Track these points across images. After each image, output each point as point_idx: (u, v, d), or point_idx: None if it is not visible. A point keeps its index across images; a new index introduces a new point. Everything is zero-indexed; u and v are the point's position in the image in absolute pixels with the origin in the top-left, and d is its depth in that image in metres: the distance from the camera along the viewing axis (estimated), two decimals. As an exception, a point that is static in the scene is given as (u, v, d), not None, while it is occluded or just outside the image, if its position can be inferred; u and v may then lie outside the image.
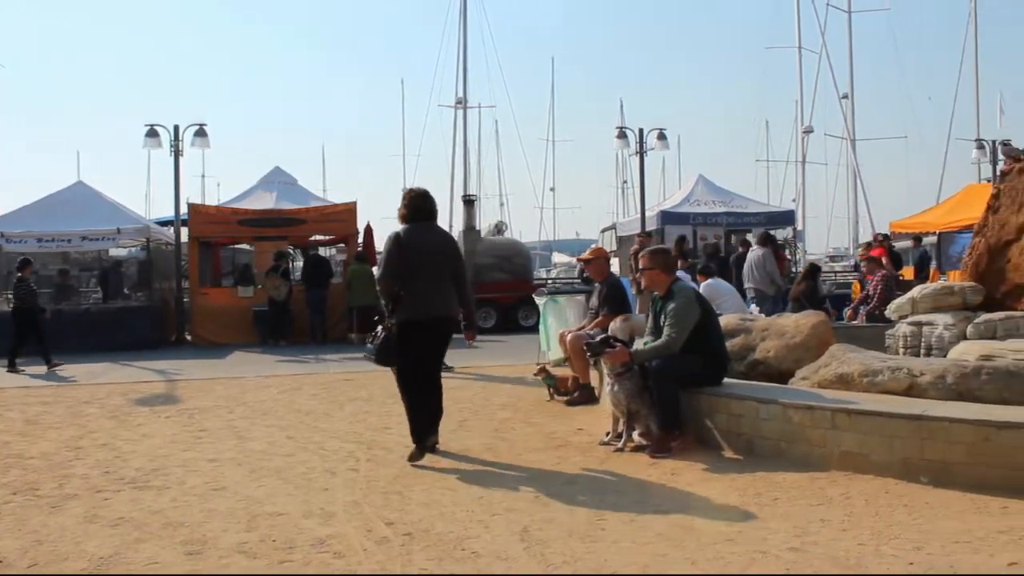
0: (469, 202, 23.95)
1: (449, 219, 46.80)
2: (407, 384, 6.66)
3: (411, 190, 6.90)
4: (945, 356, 7.75)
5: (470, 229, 22.08)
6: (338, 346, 16.99)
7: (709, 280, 12.29)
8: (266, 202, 20.31)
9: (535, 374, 9.55)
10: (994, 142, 28.68)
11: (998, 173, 10.43)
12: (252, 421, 8.39)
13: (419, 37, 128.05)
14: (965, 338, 8.09)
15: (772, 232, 21.92)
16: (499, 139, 60.42)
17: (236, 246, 23.32)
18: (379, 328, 6.70)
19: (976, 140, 33.94)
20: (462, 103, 45.85)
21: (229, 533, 4.78)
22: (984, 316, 8.27)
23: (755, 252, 16.12)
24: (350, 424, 8.10)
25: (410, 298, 6.50)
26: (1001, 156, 10.11)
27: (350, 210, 19.77)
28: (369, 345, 6.81)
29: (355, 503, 5.32)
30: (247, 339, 17.95)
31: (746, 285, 15.78)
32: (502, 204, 60.40)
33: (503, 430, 7.70)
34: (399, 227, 6.73)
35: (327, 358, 14.51)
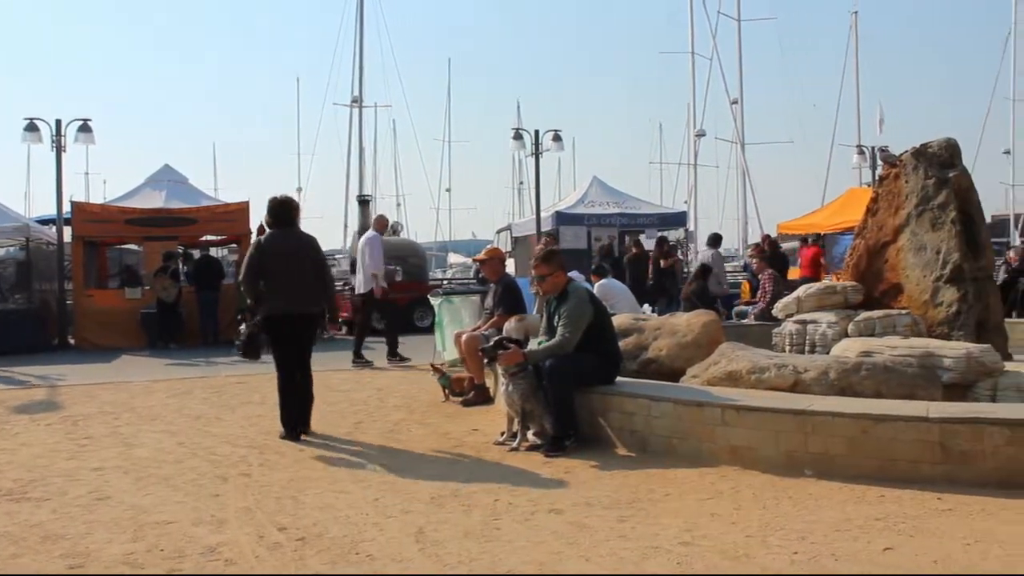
0: (364, 202, 23.75)
1: (344, 219, 46.46)
2: (283, 381, 7.43)
3: (273, 199, 7.60)
4: (828, 353, 8.04)
5: (365, 229, 21.86)
6: (230, 348, 16.59)
7: (603, 280, 12.47)
8: (155, 201, 19.72)
9: (432, 374, 9.53)
10: (874, 148, 29.86)
11: (877, 178, 10.85)
12: (139, 427, 8.14)
13: (314, 34, 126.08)
14: (847, 335, 8.41)
15: (664, 233, 22.40)
16: (396, 139, 60.11)
17: (123, 246, 22.60)
18: (243, 326, 7.49)
19: (857, 146, 35.35)
20: (358, 102, 45.41)
21: (114, 544, 4.62)
22: (864, 314, 8.61)
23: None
24: (242, 428, 7.94)
25: (275, 296, 7.30)
26: (880, 162, 10.56)
27: (243, 210, 19.35)
28: (237, 342, 7.65)
29: (247, 509, 5.22)
30: (135, 342, 17.41)
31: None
32: (399, 204, 60.05)
33: (398, 431, 7.66)
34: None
35: (218, 361, 14.16)
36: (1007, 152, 56.29)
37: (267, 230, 7.86)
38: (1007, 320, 10.05)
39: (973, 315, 8.41)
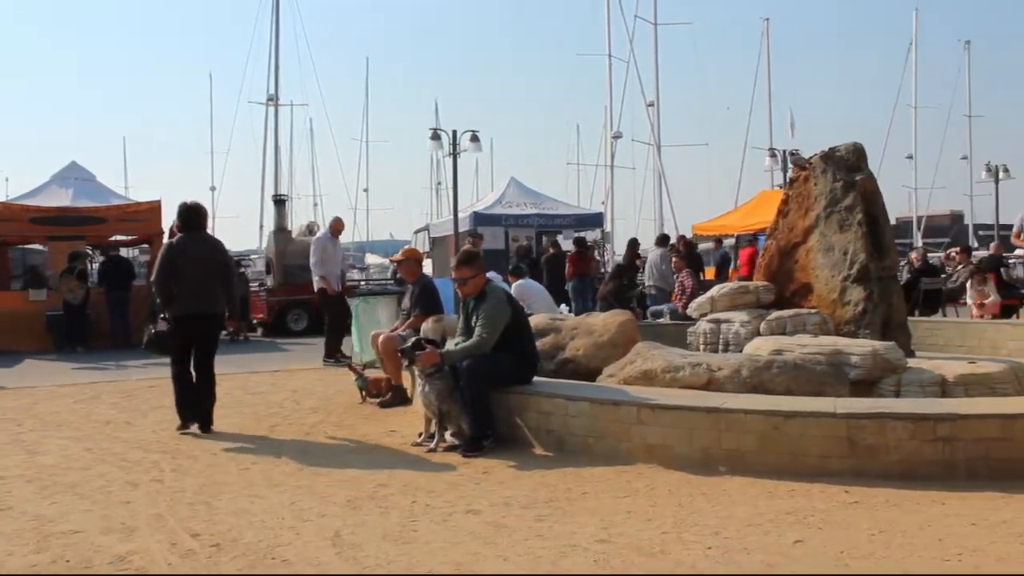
0: (280, 202, 23.39)
1: (260, 219, 45.77)
2: (177, 371, 7.80)
3: (183, 204, 8.00)
4: (741, 351, 8.20)
5: (281, 230, 21.57)
6: (141, 351, 16.20)
7: (520, 280, 12.52)
8: (61, 199, 19.09)
9: (354, 377, 9.44)
10: (785, 152, 30.55)
11: (788, 180, 11.10)
12: (44, 434, 7.88)
13: (228, 30, 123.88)
14: (759, 334, 8.59)
15: (582, 234, 22.58)
16: (313, 138, 59.52)
17: (27, 246, 21.88)
18: (150, 325, 7.97)
19: (769, 149, 36.13)
20: (274, 100, 44.83)
21: (15, 556, 4.45)
22: (775, 313, 8.80)
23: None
24: (154, 433, 7.76)
25: (183, 296, 7.68)
26: (790, 165, 10.85)
27: (154, 209, 18.92)
28: (144, 339, 8.08)
29: (159, 516, 5.10)
30: (40, 346, 16.88)
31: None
32: (315, 204, 59.45)
33: (315, 434, 7.58)
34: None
35: (129, 364, 13.80)
36: (910, 157, 58.33)
37: (177, 233, 8.20)
38: (910, 319, 10.40)
39: (878, 314, 8.67)
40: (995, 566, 3.93)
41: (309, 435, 7.53)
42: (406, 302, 9.41)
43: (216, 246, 8.11)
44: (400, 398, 8.78)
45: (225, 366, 12.56)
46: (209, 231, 8.34)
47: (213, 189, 54.94)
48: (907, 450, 5.42)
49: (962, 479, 5.29)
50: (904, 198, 59.71)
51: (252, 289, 21.38)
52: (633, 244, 19.88)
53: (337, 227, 13.91)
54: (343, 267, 14.00)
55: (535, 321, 8.69)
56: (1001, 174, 37.22)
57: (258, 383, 10.95)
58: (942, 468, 5.37)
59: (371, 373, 9.50)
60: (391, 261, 19.65)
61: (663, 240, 18.27)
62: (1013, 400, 6.40)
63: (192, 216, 7.96)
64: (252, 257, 37.05)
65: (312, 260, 13.25)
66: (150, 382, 11.09)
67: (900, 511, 4.80)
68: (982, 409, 5.68)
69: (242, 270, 20.56)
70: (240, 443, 7.20)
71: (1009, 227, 14.98)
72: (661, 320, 13.57)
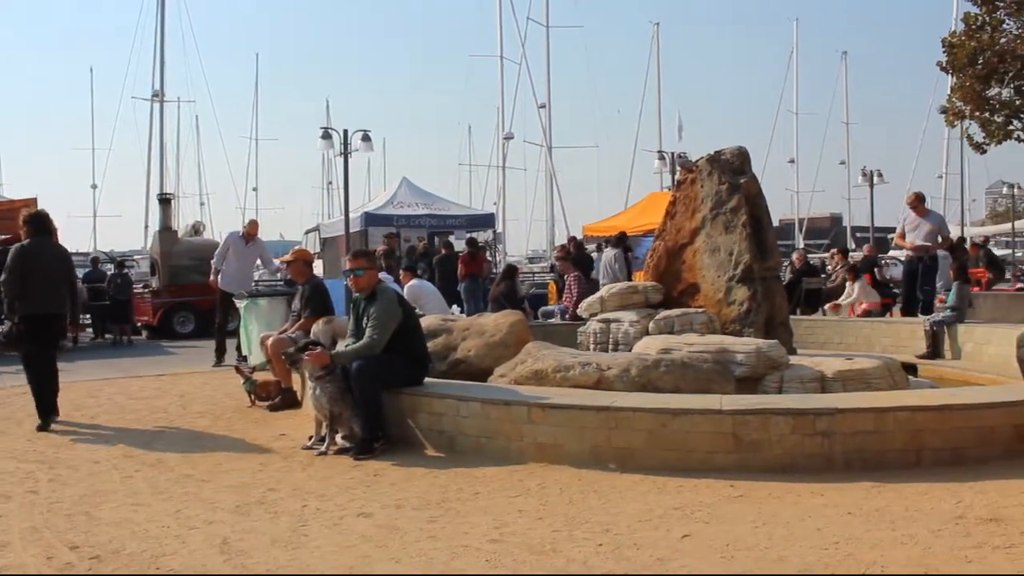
0: (165, 201, 22.75)
1: (145, 218, 44.41)
2: (31, 368, 8.24)
3: (29, 213, 8.55)
4: (630, 351, 8.34)
5: (166, 229, 20.98)
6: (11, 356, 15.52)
7: (413, 281, 12.47)
8: (-74, 198, 18.24)
9: (240, 377, 9.25)
10: (673, 154, 31.21)
11: (675, 183, 11.35)
12: (-91, 444, 7.49)
13: (111, 23, 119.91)
14: (648, 334, 8.75)
15: (474, 234, 22.62)
16: (199, 135, 58.13)
17: None
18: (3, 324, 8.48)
19: (658, 152, 36.81)
20: (159, 96, 43.58)
21: None
22: (664, 313, 8.98)
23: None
24: (29, 442, 7.44)
25: (30, 297, 8.11)
26: (678, 167, 11.07)
27: (28, 207, 18.17)
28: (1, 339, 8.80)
29: (33, 528, 4.89)
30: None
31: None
32: (202, 204, 58.23)
33: (202, 439, 7.39)
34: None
35: (2, 371, 13.20)
36: (792, 161, 60.40)
37: (56, 231, 8.69)
38: (792, 317, 10.75)
39: (762, 313, 8.93)
40: (869, 552, 4.08)
41: (196, 440, 7.35)
42: (296, 304, 9.27)
43: (62, 252, 8.72)
44: (290, 401, 8.64)
45: (107, 370, 12.22)
46: (64, 233, 8.68)
47: (95, 187, 53.28)
48: (789, 444, 5.60)
49: (840, 471, 5.51)
50: (786, 201, 61.83)
51: (136, 291, 20.72)
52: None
53: (249, 230, 13.71)
54: (253, 271, 13.76)
55: (427, 322, 8.67)
56: (876, 179, 38.86)
57: (142, 388, 10.63)
58: (821, 461, 5.58)
59: (260, 376, 9.32)
60: (280, 262, 19.29)
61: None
62: (886, 394, 6.68)
63: (40, 222, 8.47)
64: (136, 258, 35.97)
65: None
66: (24, 388, 10.60)
67: (782, 503, 4.95)
68: (857, 404, 5.91)
69: (125, 271, 19.95)
70: (123, 450, 6.96)
71: (884, 229, 15.64)
72: (552, 320, 13.69)
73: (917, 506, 4.82)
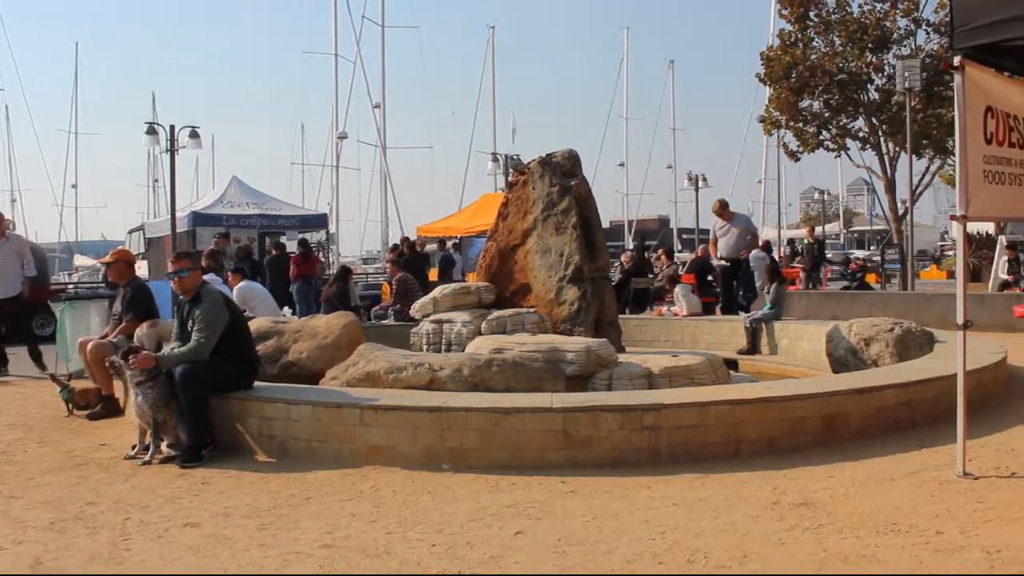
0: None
1: (-54, 217, 41.37)
2: None
3: None
4: (463, 351, 8.38)
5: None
6: None
7: (242, 283, 12.12)
8: None
9: (56, 385, 8.74)
10: (506, 156, 31.64)
11: (508, 184, 11.48)
12: None
13: None
14: (480, 334, 8.81)
15: (306, 235, 22.23)
16: (10, 128, 54.89)
17: None
18: None
19: (492, 154, 37.25)
20: (-39, 87, 40.81)
21: None
22: (496, 313, 9.07)
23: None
24: None
25: None
26: (511, 169, 11.23)
27: None
28: None
29: None
30: None
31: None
32: (14, 200, 55.00)
33: (12, 452, 6.93)
34: None
35: None
36: (621, 165, 62.31)
37: None
38: (621, 316, 11.07)
39: (592, 312, 9.15)
40: (693, 540, 4.25)
41: (5, 454, 6.87)
42: (117, 306, 8.84)
43: None
44: (111, 409, 8.23)
45: None
46: None
47: None
48: (617, 439, 5.76)
49: (666, 463, 5.71)
50: (617, 203, 63.69)
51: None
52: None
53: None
54: (16, 271, 12.37)
55: (257, 324, 8.47)
56: (701, 183, 40.74)
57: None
58: (648, 455, 5.77)
59: (79, 384, 8.84)
60: (101, 263, 18.38)
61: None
62: (708, 389, 6.97)
63: None
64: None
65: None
66: None
67: (611, 497, 5.09)
68: (682, 399, 6.16)
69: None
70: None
71: (709, 231, 16.33)
72: (385, 321, 13.61)
73: (737, 494, 5.06)
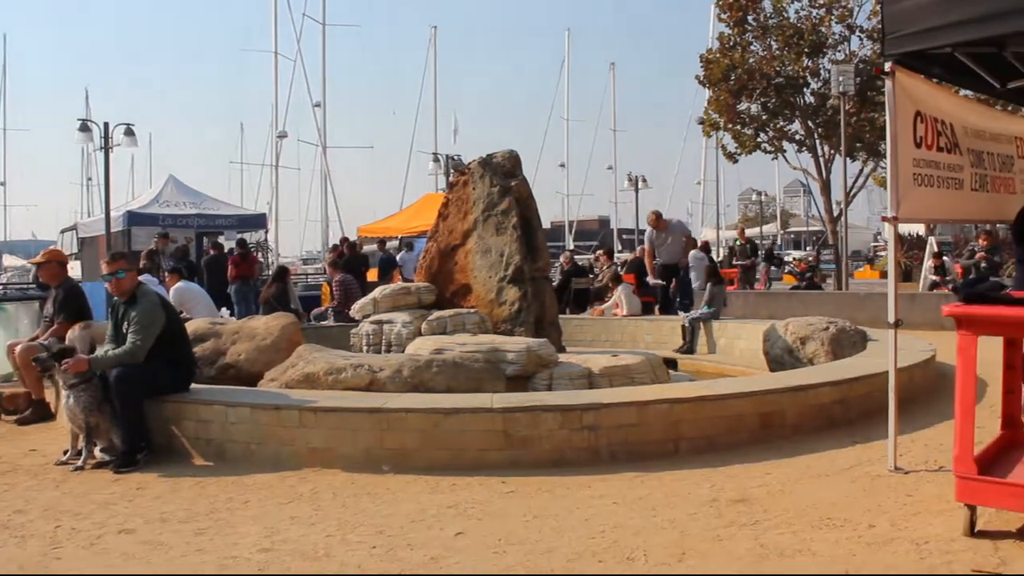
0: None
1: None
2: None
3: None
4: (403, 352, 8.36)
5: None
6: None
7: (179, 283, 11.94)
8: None
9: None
10: (448, 156, 31.61)
11: (448, 184, 11.48)
12: None
13: None
14: (420, 334, 8.80)
15: (245, 235, 21.97)
16: (-70, 122, 53.30)
17: None
18: None
19: (433, 154, 37.19)
20: None
21: None
22: (436, 313, 9.06)
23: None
24: None
25: None
26: (452, 170, 11.22)
27: None
28: None
29: None
30: None
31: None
32: (-65, 199, 53.47)
33: (-64, 459, 6.75)
34: None
35: None
36: (562, 165, 62.51)
37: None
38: (561, 316, 11.12)
39: (532, 312, 9.18)
40: (633, 539, 4.29)
41: (-71, 460, 6.70)
42: (48, 308, 8.65)
43: None
44: (41, 414, 8.05)
45: None
46: None
47: None
48: (557, 439, 5.79)
49: (606, 462, 5.76)
50: (557, 203, 63.92)
51: None
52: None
53: None
54: None
55: (194, 325, 8.35)
56: (640, 184, 41.13)
57: None
58: (588, 454, 5.81)
59: (7, 388, 8.63)
60: (31, 263, 17.97)
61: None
62: (647, 388, 7.04)
63: None
64: None
65: None
66: None
67: (552, 496, 5.11)
68: (621, 398, 6.21)
69: None
70: None
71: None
72: (325, 323, 13.50)
73: (676, 492, 5.11)
